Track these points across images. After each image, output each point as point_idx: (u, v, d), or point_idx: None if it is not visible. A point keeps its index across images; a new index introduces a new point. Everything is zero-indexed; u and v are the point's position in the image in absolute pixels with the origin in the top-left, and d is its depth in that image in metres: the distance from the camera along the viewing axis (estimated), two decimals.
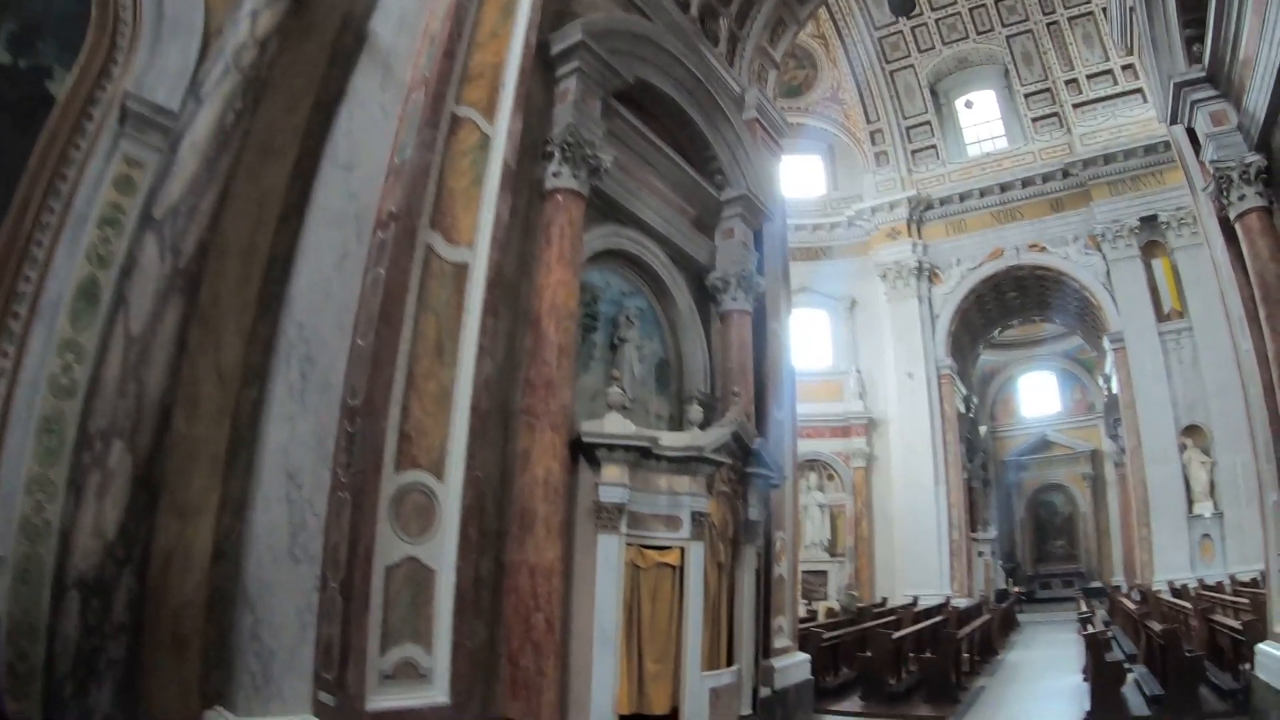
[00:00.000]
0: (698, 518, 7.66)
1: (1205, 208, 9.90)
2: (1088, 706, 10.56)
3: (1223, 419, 22.43)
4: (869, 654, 12.50)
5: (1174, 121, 10.00)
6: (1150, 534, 23.34)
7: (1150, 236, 24.41)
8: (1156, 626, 12.21)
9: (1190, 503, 22.85)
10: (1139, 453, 23.88)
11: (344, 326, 6.14)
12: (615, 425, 7.34)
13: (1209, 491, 22.70)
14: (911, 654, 14.23)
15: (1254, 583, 20.21)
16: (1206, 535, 22.50)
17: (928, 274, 26.92)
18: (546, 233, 7.54)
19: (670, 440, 7.63)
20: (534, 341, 7.16)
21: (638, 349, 9.10)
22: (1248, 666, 10.18)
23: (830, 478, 26.90)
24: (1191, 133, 9.77)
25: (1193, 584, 20.72)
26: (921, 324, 26.50)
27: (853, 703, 11.80)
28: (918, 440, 25.64)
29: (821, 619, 15.96)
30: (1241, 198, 8.69)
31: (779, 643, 10.08)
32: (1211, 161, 9.00)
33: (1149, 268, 24.40)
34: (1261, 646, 9.35)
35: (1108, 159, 24.85)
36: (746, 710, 8.38)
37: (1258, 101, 8.45)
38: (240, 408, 6.14)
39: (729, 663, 8.12)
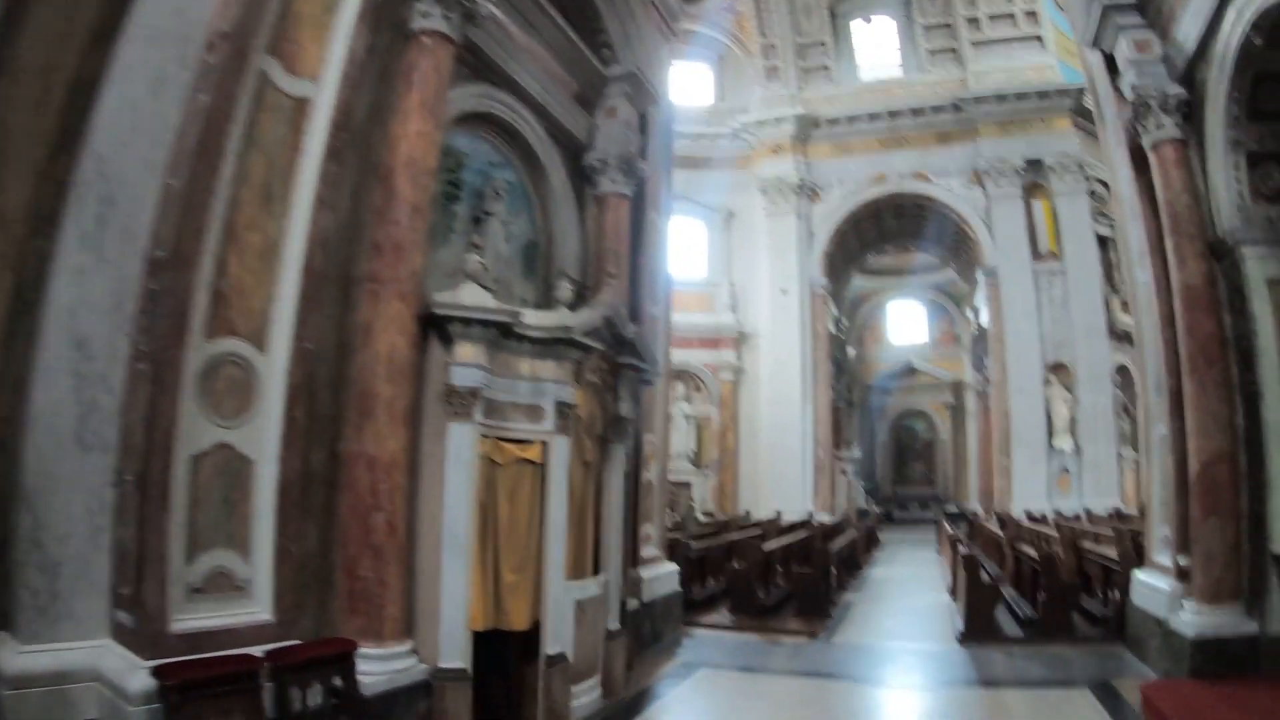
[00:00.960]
0: (563, 409, 6.74)
1: (1114, 137, 9.69)
2: (960, 626, 10.42)
3: (1087, 360, 23.86)
4: (739, 566, 12.06)
5: (1095, 44, 9.58)
6: (1010, 463, 24.18)
7: (1033, 179, 25.03)
8: (1031, 552, 12.16)
9: (1051, 436, 23.90)
10: (1004, 385, 24.59)
11: (154, 164, 5.07)
12: (472, 297, 6.31)
13: (1069, 427, 23.81)
14: (779, 567, 13.95)
15: (1112, 515, 21.11)
16: (1065, 469, 23.64)
17: (808, 192, 26.58)
18: (408, 78, 6.38)
19: (535, 319, 6.66)
20: (384, 198, 6.06)
21: (504, 225, 8.13)
22: (1117, 594, 10.39)
23: (698, 389, 26.55)
24: (1110, 60, 9.42)
25: (1049, 514, 21.46)
26: (798, 241, 26.21)
27: (722, 615, 11.41)
28: (788, 356, 25.55)
29: (690, 530, 15.54)
30: (1159, 127, 8.46)
31: (647, 552, 9.49)
32: (1132, 87, 8.68)
33: (1029, 208, 25.05)
34: (1138, 574, 9.47)
35: (1000, 99, 25.14)
36: (614, 624, 7.66)
37: (1188, 33, 8.26)
38: (25, 260, 5.03)
39: (595, 572, 7.35)
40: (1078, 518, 20.48)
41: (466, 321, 6.17)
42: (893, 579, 17.20)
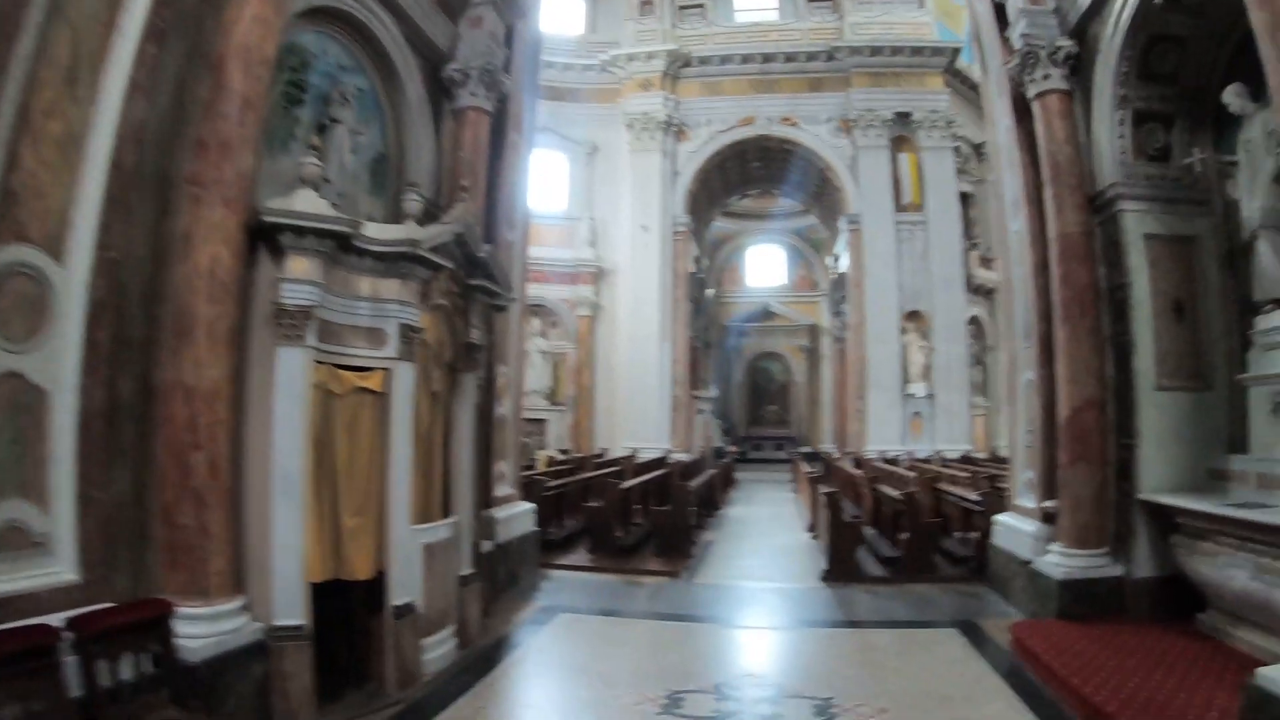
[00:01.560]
0: (408, 333, 6.00)
1: (996, 87, 9.73)
2: (823, 565, 10.37)
3: (944, 310, 24.63)
4: (597, 504, 11.74)
5: None
6: (865, 406, 24.67)
7: (901, 131, 25.46)
8: (892, 492, 12.21)
9: (906, 382, 24.56)
10: (862, 329, 25.03)
11: None
12: (307, 204, 5.53)
13: (924, 374, 24.50)
14: (638, 506, 13.71)
15: (964, 459, 21.79)
16: (918, 413, 24.35)
17: (675, 130, 26.16)
18: None
19: (377, 232, 5.89)
20: (213, 90, 5.19)
21: (352, 135, 7.28)
22: (975, 534, 10.64)
23: (555, 325, 26.02)
24: (1000, 10, 9.36)
25: (903, 456, 21.99)
26: (662, 178, 25.81)
27: (580, 555, 11.10)
28: (647, 294, 25.28)
29: (541, 468, 15.09)
30: (1046, 77, 8.47)
31: (501, 491, 9.00)
32: (1022, 35, 8.60)
33: (895, 160, 25.48)
34: (1000, 517, 9.66)
35: (874, 50, 25.35)
36: (467, 569, 7.11)
37: None
38: None
39: (445, 514, 6.74)
40: (930, 461, 21.00)
41: (300, 231, 5.38)
42: (751, 518, 17.31)
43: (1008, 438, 10.51)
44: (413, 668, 6.06)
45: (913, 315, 24.97)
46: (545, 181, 24.95)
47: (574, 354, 25.82)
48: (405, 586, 5.96)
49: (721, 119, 26.23)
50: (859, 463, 21.23)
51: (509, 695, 6.34)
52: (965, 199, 27.42)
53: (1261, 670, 4.31)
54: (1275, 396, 6.68)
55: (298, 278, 5.41)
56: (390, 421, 5.92)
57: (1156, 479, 7.67)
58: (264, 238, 5.42)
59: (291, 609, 5.29)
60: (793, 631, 8.04)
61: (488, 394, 8.40)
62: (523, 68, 10.26)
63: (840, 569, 10.18)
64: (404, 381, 5.99)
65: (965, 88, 27.78)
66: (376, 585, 5.91)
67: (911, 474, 15.92)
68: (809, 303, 39.70)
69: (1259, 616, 6.13)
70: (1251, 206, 6.87)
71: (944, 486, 13.08)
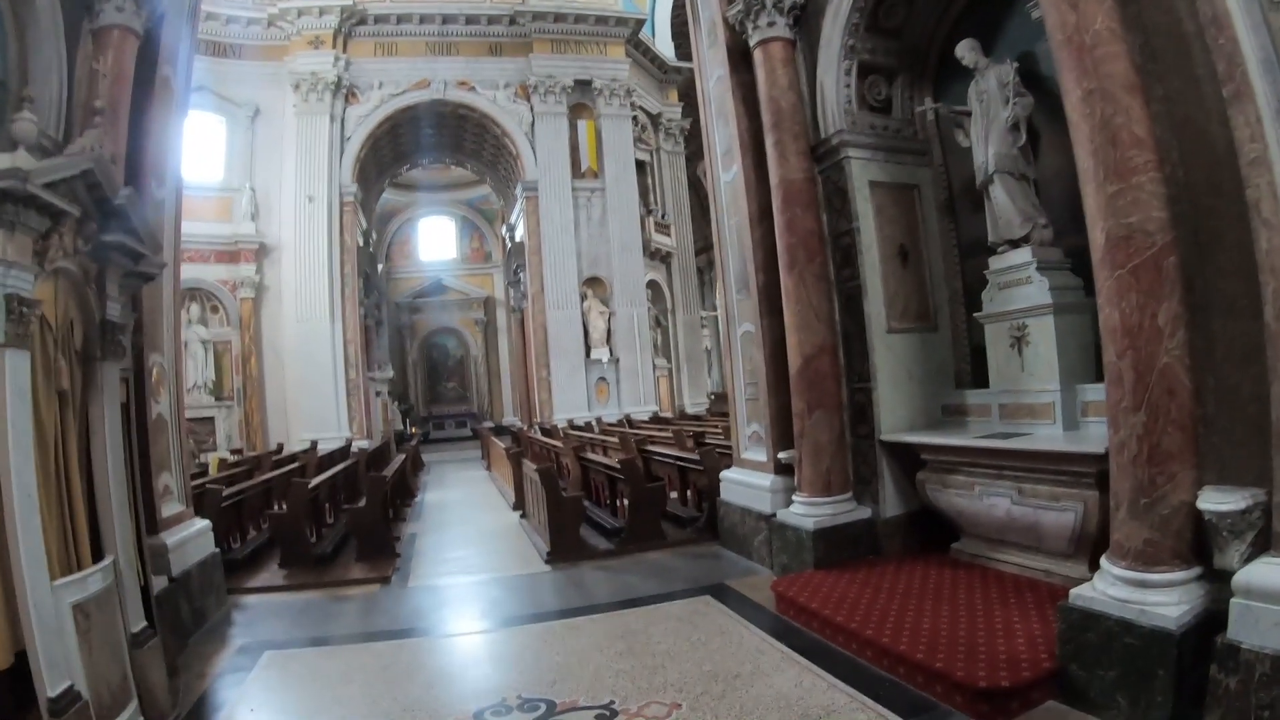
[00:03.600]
0: (18, 307, 3.89)
1: (707, 38, 9.48)
2: (545, 547, 9.46)
3: (623, 275, 25.27)
4: (283, 510, 10.05)
5: None
6: (550, 375, 24.67)
7: (581, 99, 25.74)
8: (604, 459, 11.49)
9: (589, 348, 24.94)
10: (541, 298, 24.93)
11: None
12: None
13: (606, 339, 25.05)
14: (328, 505, 12.13)
15: (655, 420, 22.04)
16: (603, 378, 24.89)
17: (346, 92, 24.19)
18: None
19: None
20: None
21: None
22: (693, 494, 10.81)
23: (215, 310, 23.04)
24: None
25: (592, 422, 21.98)
26: (330, 145, 23.72)
27: (273, 573, 9.26)
28: (315, 270, 23.17)
29: (214, 473, 12.99)
30: (771, 24, 8.16)
31: (169, 509, 7.14)
32: None
33: (574, 127, 25.68)
34: (727, 473, 9.52)
35: (558, 18, 25.42)
36: (139, 622, 5.09)
37: None
38: None
39: (96, 555, 4.74)
40: (621, 424, 21.00)
41: None
42: (450, 502, 16.02)
43: (722, 390, 10.33)
44: None
45: (592, 281, 25.29)
46: (200, 149, 22.09)
47: (238, 341, 23.01)
48: (58, 667, 3.93)
49: (395, 81, 24.63)
50: (548, 432, 20.84)
51: None
52: (641, 167, 27.76)
53: (1074, 591, 4.45)
54: (1013, 332, 6.85)
55: None
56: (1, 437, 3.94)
57: (894, 419, 7.72)
58: None
59: None
60: (537, 628, 6.89)
61: (139, 389, 6.60)
62: None
63: (564, 548, 9.34)
64: (16, 377, 3.94)
65: (646, 60, 28.26)
66: (20, 672, 3.93)
67: (612, 439, 15.47)
68: (483, 275, 39.33)
69: (1023, 539, 6.34)
70: (987, 153, 6.96)
71: (653, 448, 12.59)
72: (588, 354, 24.73)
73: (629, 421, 22.21)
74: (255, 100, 23.56)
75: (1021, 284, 6.78)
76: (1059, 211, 6.67)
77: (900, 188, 8.10)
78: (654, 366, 26.09)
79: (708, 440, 13.44)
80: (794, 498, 7.91)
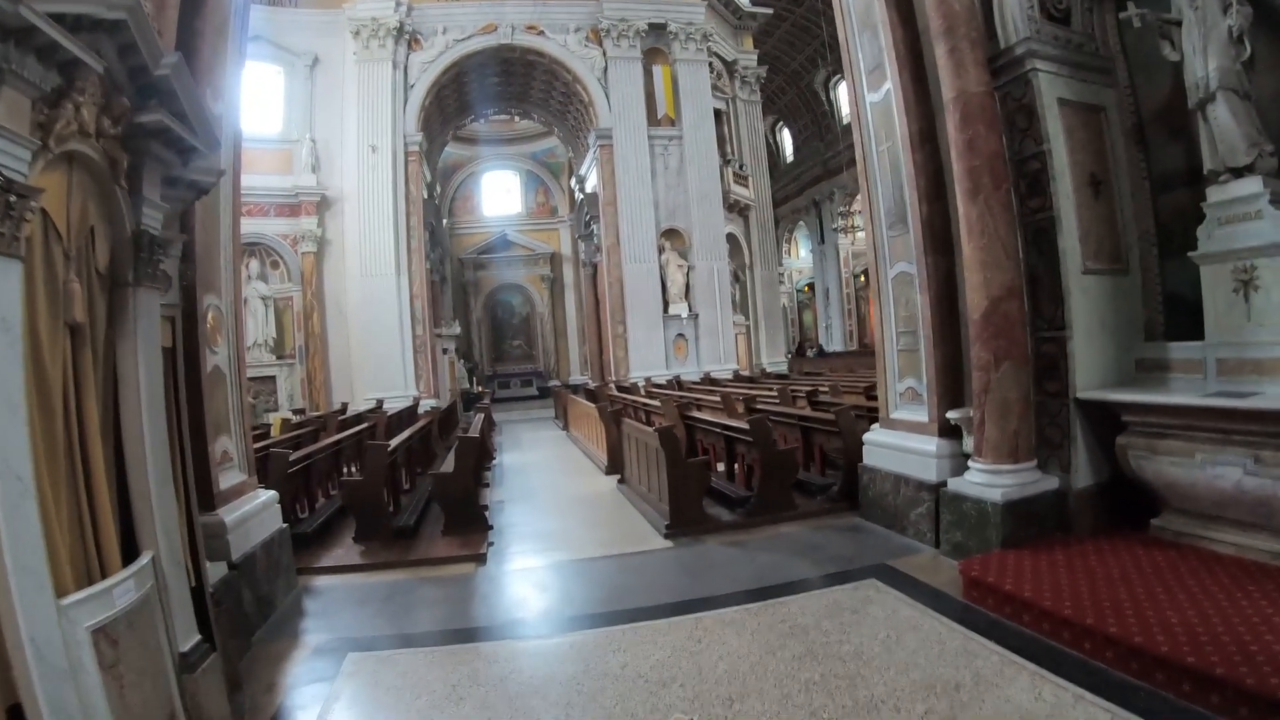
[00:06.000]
0: (3, 196, 2.60)
1: None
2: (664, 519, 8.24)
3: (702, 227, 24.25)
4: (360, 477, 8.87)
5: None
6: (626, 332, 23.53)
7: (656, 44, 24.45)
8: (727, 419, 10.17)
9: (666, 303, 23.73)
10: (617, 251, 23.78)
11: None
12: None
13: (685, 294, 23.84)
14: (403, 469, 10.97)
15: (737, 379, 20.88)
16: (681, 335, 23.77)
17: (408, 38, 22.85)
18: None
19: None
20: None
21: None
22: (815, 456, 9.92)
23: (275, 265, 22.07)
24: None
25: (671, 380, 21.45)
26: (394, 92, 22.48)
27: (348, 549, 8.04)
28: (379, 223, 22.03)
29: (276, 434, 11.90)
30: None
31: (229, 479, 5.91)
32: None
33: (649, 73, 24.38)
34: (871, 435, 8.33)
35: None
36: (191, 637, 3.71)
37: None
38: None
39: (129, 554, 3.37)
40: (705, 382, 20.25)
41: None
42: (532, 465, 14.77)
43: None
44: None
45: (670, 233, 24.09)
46: (258, 100, 21.21)
47: (300, 297, 22.01)
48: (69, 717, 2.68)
49: (460, 26, 23.21)
50: (624, 390, 19.90)
51: None
52: (718, 116, 26.38)
53: None
54: (1238, 275, 5.82)
55: None
56: None
57: (1089, 375, 6.61)
58: None
59: None
60: (683, 622, 5.54)
61: (190, 335, 5.37)
62: None
63: (686, 520, 8.13)
64: (5, 298, 2.64)
65: (720, 3, 26.72)
66: None
67: (713, 397, 14.21)
68: (549, 230, 38.23)
69: (1250, 515, 5.49)
70: (1206, 66, 5.89)
71: (764, 407, 11.32)
72: (665, 309, 23.52)
73: (708, 379, 21.07)
74: (313, 49, 22.42)
75: (1249, 219, 5.74)
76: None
77: (1088, 109, 6.91)
78: (732, 323, 24.75)
79: (821, 399, 12.13)
80: (971, 464, 6.71)
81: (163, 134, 3.57)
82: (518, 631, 5.68)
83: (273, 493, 6.77)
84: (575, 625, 5.71)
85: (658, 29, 24.21)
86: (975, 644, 4.75)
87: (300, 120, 22.35)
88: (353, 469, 11.86)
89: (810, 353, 38.49)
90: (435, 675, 4.89)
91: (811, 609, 5.59)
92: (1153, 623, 4.41)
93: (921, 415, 7.53)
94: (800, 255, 43.93)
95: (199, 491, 4.65)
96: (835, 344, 39.30)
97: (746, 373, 24.30)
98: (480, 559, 7.63)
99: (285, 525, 6.83)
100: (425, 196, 24.56)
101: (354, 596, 6.71)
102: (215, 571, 5.01)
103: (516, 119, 31.87)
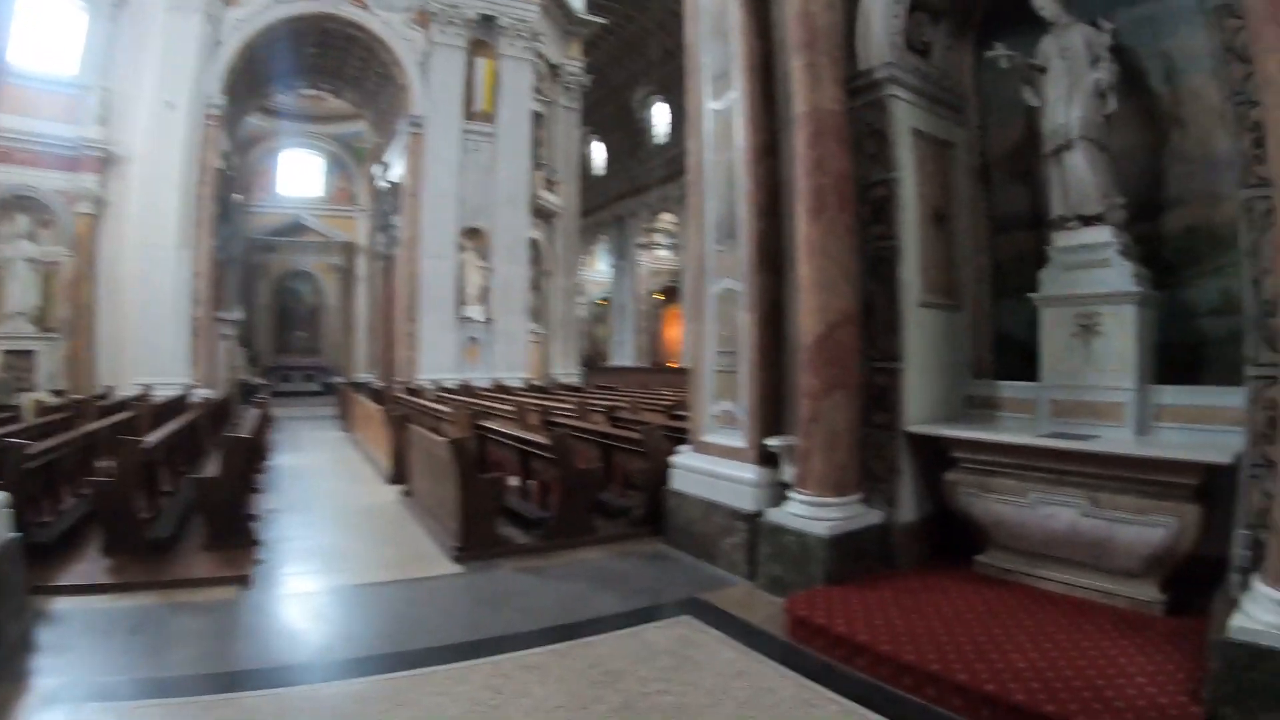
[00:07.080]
0: None
1: None
2: (453, 540, 7.65)
3: (506, 229, 23.96)
4: (109, 476, 7.58)
5: None
6: (418, 330, 22.88)
7: (483, 35, 24.05)
8: (528, 435, 9.58)
9: (462, 304, 23.19)
10: (416, 245, 23.16)
11: None
12: None
13: (482, 296, 23.43)
14: (166, 467, 9.79)
15: (531, 388, 20.51)
16: (474, 339, 23.32)
17: None
18: None
19: None
20: None
21: None
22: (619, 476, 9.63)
23: (46, 225, 19.71)
24: None
25: (460, 385, 20.99)
26: (201, 46, 20.45)
27: (94, 563, 6.84)
28: (168, 190, 19.93)
29: (30, 418, 10.42)
30: None
31: None
32: None
33: (472, 65, 23.94)
34: (680, 459, 8.14)
35: None
36: None
37: None
38: None
39: None
40: (493, 388, 19.96)
41: None
42: (311, 470, 13.61)
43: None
44: None
45: (472, 232, 23.63)
46: (50, 33, 19.23)
47: (70, 263, 19.78)
48: None
49: None
50: (413, 392, 19.22)
51: None
52: (536, 119, 26.09)
53: (1233, 623, 3.72)
54: (1080, 319, 6.13)
55: None
56: None
57: (919, 409, 6.68)
58: None
59: None
60: (481, 666, 4.84)
61: None
62: None
63: (479, 542, 7.54)
64: None
65: (555, 5, 26.40)
66: None
67: (506, 406, 13.65)
68: (346, 218, 36.62)
69: (1081, 555, 5.64)
70: (1069, 115, 6.19)
71: (563, 422, 10.96)
72: (460, 310, 22.92)
73: (499, 387, 20.70)
74: None
75: (1096, 266, 6.01)
76: (1127, 194, 6.10)
77: (939, 143, 7.09)
78: (529, 331, 24.38)
79: (620, 416, 11.88)
80: (793, 495, 6.52)
81: None
82: (288, 677, 4.79)
83: (2, 494, 5.62)
84: (356, 670, 4.90)
85: (488, 20, 23.71)
86: (810, 692, 4.47)
87: (97, 66, 20.08)
88: (106, 467, 10.48)
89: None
90: None
91: (624, 651, 5.13)
92: (1000, 668, 4.35)
93: (738, 440, 7.29)
94: (599, 268, 44.06)
95: None
96: (627, 359, 39.98)
97: (539, 382, 24.06)
98: (245, 581, 6.65)
99: (17, 534, 5.60)
100: (223, 167, 22.79)
101: (98, 625, 5.62)
102: None
103: (328, 97, 30.47)
